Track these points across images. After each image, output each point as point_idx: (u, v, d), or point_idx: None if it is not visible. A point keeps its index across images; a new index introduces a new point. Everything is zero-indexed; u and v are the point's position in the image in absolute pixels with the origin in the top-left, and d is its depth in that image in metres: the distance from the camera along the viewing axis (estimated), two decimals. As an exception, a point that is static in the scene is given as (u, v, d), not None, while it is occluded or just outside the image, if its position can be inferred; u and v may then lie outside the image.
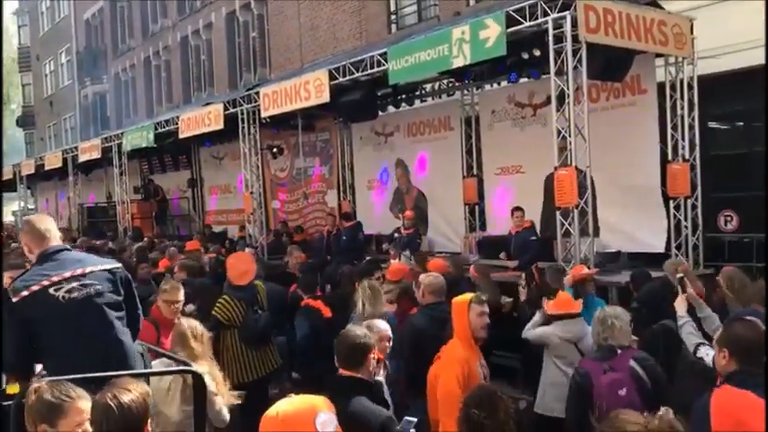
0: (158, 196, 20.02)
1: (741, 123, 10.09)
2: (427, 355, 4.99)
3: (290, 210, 16.14)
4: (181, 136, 14.26)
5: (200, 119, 13.55)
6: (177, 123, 14.29)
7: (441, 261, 7.55)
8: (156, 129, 15.14)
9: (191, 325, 4.57)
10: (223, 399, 4.35)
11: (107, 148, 17.56)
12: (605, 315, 4.32)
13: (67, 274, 3.31)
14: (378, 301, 5.77)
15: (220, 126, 12.97)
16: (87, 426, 2.48)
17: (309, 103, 10.76)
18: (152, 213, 19.57)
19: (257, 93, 12.12)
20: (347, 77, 10.06)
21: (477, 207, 11.48)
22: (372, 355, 3.52)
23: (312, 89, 10.58)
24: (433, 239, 12.14)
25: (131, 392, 2.44)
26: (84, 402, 2.50)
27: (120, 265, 3.40)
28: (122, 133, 17.14)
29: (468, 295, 4.47)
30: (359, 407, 3.27)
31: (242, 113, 12.57)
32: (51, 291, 3.26)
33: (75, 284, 3.29)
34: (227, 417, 4.41)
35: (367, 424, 3.23)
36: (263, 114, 11.98)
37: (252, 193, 12.94)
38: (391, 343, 4.22)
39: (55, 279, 3.27)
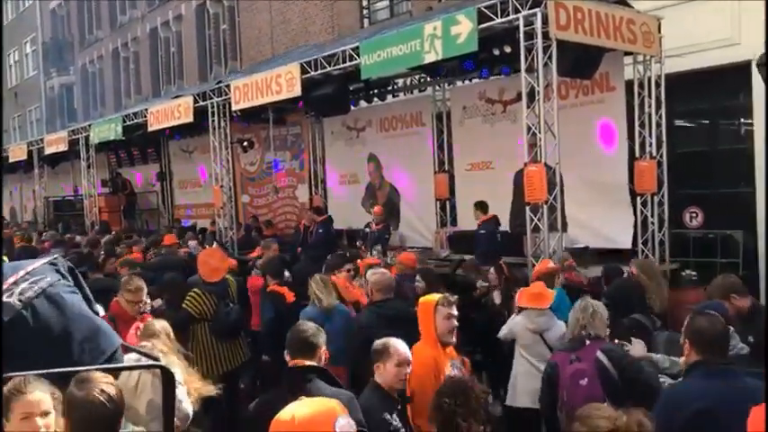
0: (126, 190, 19.74)
1: (706, 122, 10.29)
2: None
3: (260, 204, 16.04)
4: (150, 129, 14.07)
5: (170, 112, 13.38)
6: (146, 116, 14.10)
7: (411, 255, 7.59)
8: (124, 121, 14.93)
9: (163, 325, 4.58)
10: (193, 392, 4.33)
11: (74, 140, 17.27)
12: (587, 303, 4.42)
13: (11, 280, 3.21)
14: (329, 293, 6.01)
15: (190, 119, 12.83)
16: (39, 420, 2.43)
17: (281, 96, 10.70)
18: (120, 207, 19.30)
19: (228, 86, 12.01)
20: (319, 71, 10.02)
21: (448, 202, 11.54)
22: (323, 350, 3.64)
23: (283, 83, 10.52)
24: (405, 234, 12.18)
25: (106, 386, 2.42)
26: (37, 395, 2.45)
27: (57, 257, 3.32)
28: (90, 125, 16.87)
29: (436, 296, 4.29)
30: (317, 392, 3.25)
31: (212, 106, 12.45)
32: (4, 299, 3.17)
33: (24, 285, 3.20)
34: (189, 410, 4.39)
35: None
36: (234, 108, 11.89)
37: (222, 186, 12.84)
38: (410, 367, 3.74)
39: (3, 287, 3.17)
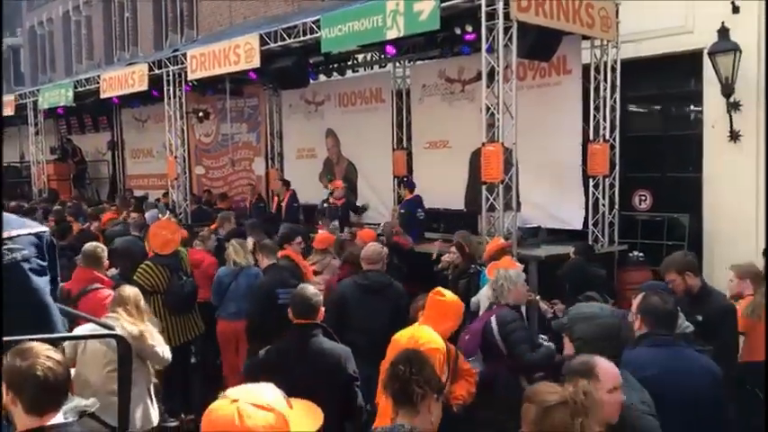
0: (77, 157, 19.23)
1: (658, 107, 10.53)
2: (349, 323, 5.13)
3: (215, 177, 15.84)
4: (102, 96, 13.74)
5: (123, 79, 13.08)
6: (98, 82, 13.75)
7: (371, 231, 7.65)
8: (75, 87, 14.52)
9: (134, 292, 4.54)
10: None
11: (21, 105, 16.73)
12: (498, 276, 4.83)
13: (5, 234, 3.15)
14: (243, 255, 6.77)
15: (144, 87, 12.57)
16: None
17: (239, 67, 10.56)
18: (69, 175, 18.81)
19: (184, 54, 11.78)
20: (278, 43, 9.91)
21: (405, 180, 11.58)
22: (322, 310, 4.09)
23: (242, 53, 10.38)
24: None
25: (49, 358, 2.39)
26: None
27: (46, 229, 3.27)
28: (38, 90, 16.36)
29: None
30: (320, 345, 3.90)
31: (167, 75, 12.20)
32: None
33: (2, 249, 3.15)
34: (168, 355, 4.43)
35: (330, 357, 3.89)
36: (190, 77, 11.69)
37: (176, 157, 12.64)
38: None
39: None
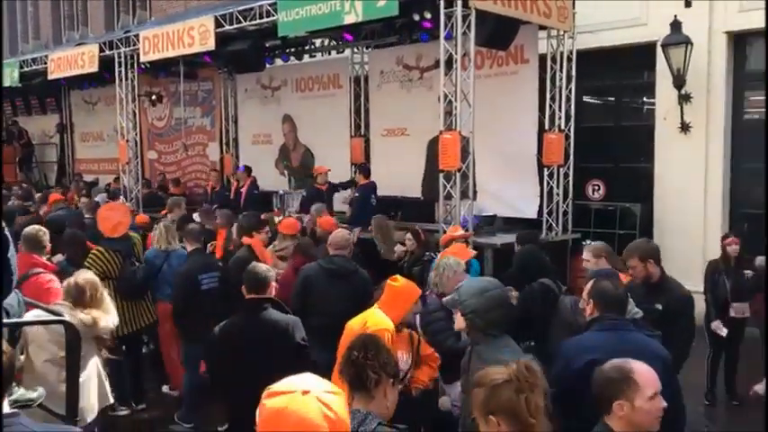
0: (23, 140, 18.62)
1: (612, 98, 10.70)
2: (313, 305, 5.18)
3: (168, 162, 15.53)
4: (50, 77, 13.31)
5: (73, 60, 12.69)
6: (46, 63, 13.32)
7: (331, 219, 7.59)
8: (21, 67, 14.05)
9: (89, 280, 4.38)
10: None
11: (-37, 84, 16.10)
12: (440, 263, 4.88)
13: None
14: (171, 239, 6.75)
15: (95, 69, 12.22)
16: None
17: (193, 49, 10.34)
18: (15, 158, 18.21)
19: (136, 36, 11.49)
20: (234, 26, 9.73)
21: (360, 166, 11.53)
22: (273, 285, 4.24)
23: (196, 35, 10.16)
24: (318, 197, 12.11)
25: None
26: None
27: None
28: (-19, 70, 15.75)
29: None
30: (269, 316, 4.08)
31: (119, 57, 11.88)
32: None
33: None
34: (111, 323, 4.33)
35: (279, 326, 4.06)
36: (143, 59, 11.41)
37: (128, 141, 12.35)
38: None
39: None
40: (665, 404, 2.60)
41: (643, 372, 2.59)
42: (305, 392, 1.71)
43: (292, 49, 11.72)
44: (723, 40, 8.92)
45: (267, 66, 11.89)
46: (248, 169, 12.35)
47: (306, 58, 12.13)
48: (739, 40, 9.07)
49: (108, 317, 4.31)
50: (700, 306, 6.75)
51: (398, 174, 10.78)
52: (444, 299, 3.50)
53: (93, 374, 4.25)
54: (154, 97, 13.59)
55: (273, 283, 4.28)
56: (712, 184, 9.09)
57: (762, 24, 8.61)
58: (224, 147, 14.28)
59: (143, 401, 6.59)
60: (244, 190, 11.87)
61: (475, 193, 8.25)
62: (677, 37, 8.74)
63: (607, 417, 2.59)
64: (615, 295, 3.47)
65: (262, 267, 4.31)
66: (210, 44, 9.97)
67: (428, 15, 8.05)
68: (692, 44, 8.67)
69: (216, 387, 4.42)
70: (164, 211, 9.30)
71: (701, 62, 8.86)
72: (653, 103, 9.68)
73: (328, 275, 5.40)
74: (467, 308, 3.33)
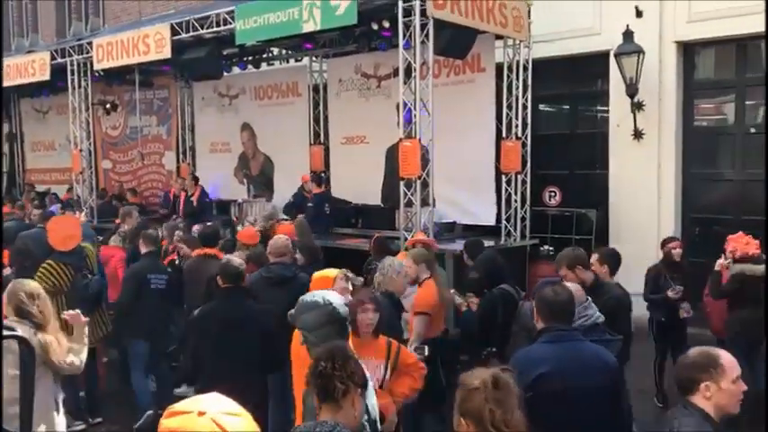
0: (-30, 150, 18.07)
1: (567, 106, 10.89)
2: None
3: (123, 171, 15.25)
4: (-1, 85, 12.96)
5: (23, 68, 12.41)
6: (-5, 70, 12.97)
7: (288, 226, 7.57)
8: (-32, 75, 13.65)
9: (31, 287, 4.21)
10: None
11: None
12: (384, 263, 4.94)
13: None
14: None
15: (46, 77, 11.98)
16: None
17: (148, 57, 10.21)
18: (-38, 169, 17.66)
19: (90, 43, 11.29)
20: (191, 33, 9.63)
21: (323, 175, 11.50)
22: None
23: (152, 43, 10.03)
24: (279, 206, 11.98)
25: None
26: None
27: None
28: (-74, 77, 15.25)
29: (334, 271, 4.29)
30: (243, 302, 4.78)
31: (71, 64, 11.66)
32: None
33: None
34: (78, 362, 4.17)
35: (251, 312, 4.72)
36: (96, 67, 11.22)
37: (81, 151, 12.10)
38: None
39: None
40: (745, 387, 2.79)
41: (728, 357, 2.80)
42: (201, 413, 1.69)
43: (250, 57, 11.65)
44: (673, 49, 9.16)
45: (225, 74, 11.79)
46: (195, 178, 12.22)
47: (264, 66, 12.06)
48: (688, 50, 9.33)
49: (68, 353, 4.13)
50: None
51: (358, 181, 10.79)
52: (288, 314, 3.47)
53: (41, 401, 4.02)
54: (108, 106, 13.37)
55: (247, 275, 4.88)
56: (665, 189, 9.31)
57: (710, 35, 8.93)
58: (181, 155, 14.09)
59: (98, 415, 6.44)
60: (194, 199, 11.72)
61: (434, 200, 8.30)
62: (629, 46, 8.94)
63: (691, 396, 2.77)
64: (556, 302, 3.39)
65: (236, 262, 4.94)
66: (166, 52, 9.85)
67: (386, 24, 8.11)
68: (643, 53, 8.87)
69: (196, 370, 4.76)
70: (117, 221, 9.13)
71: (652, 71, 9.08)
72: (607, 111, 9.87)
73: (267, 284, 5.53)
74: (300, 323, 3.33)
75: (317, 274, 4.31)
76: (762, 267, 5.98)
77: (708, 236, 8.82)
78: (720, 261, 6.19)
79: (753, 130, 9.12)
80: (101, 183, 14.34)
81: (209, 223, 8.36)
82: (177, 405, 1.75)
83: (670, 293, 6.54)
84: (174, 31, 9.74)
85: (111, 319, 6.57)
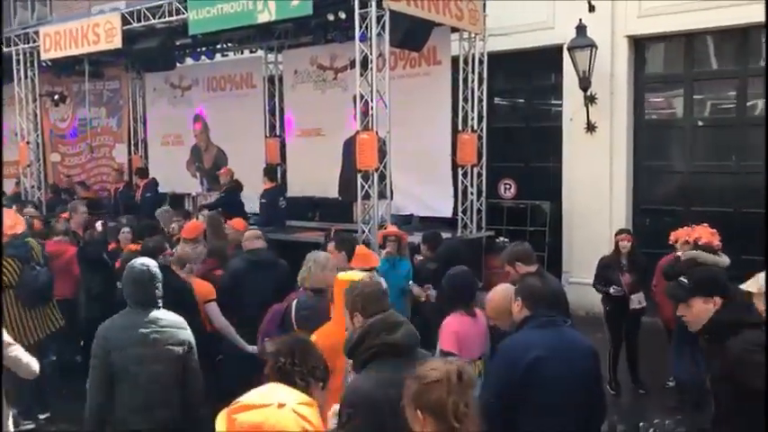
0: None
1: (522, 100, 11.01)
2: (241, 297, 5.21)
3: (73, 164, 14.85)
4: (-61, 74, 12.48)
5: (-35, 57, 11.94)
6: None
7: (241, 221, 7.49)
8: None
9: None
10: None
11: None
12: (308, 258, 4.74)
13: None
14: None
15: (-9, 66, 11.56)
16: None
17: (98, 47, 9.95)
18: None
19: (36, 32, 10.95)
20: (142, 23, 9.42)
21: (279, 168, 11.40)
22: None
23: (102, 33, 9.78)
24: (237, 200, 11.86)
25: None
26: None
27: None
28: None
29: (357, 275, 3.87)
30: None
31: (17, 54, 11.29)
32: None
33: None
34: (35, 367, 4.07)
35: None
36: (44, 57, 10.91)
37: (29, 143, 11.75)
38: None
39: None
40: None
41: None
42: (281, 405, 1.66)
43: (204, 48, 11.45)
44: (624, 43, 9.35)
45: (177, 64, 11.56)
46: (141, 171, 11.97)
47: (218, 57, 11.88)
48: (639, 44, 9.53)
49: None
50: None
51: (315, 174, 10.72)
52: None
53: None
54: (56, 97, 12.98)
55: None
56: (616, 181, 9.51)
57: (660, 30, 9.14)
58: (132, 148, 13.79)
59: (47, 412, 6.27)
60: (137, 193, 11.53)
61: (392, 192, 8.30)
62: (582, 40, 9.08)
63: None
64: (542, 291, 3.49)
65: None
66: (117, 42, 9.62)
67: (342, 16, 8.05)
68: (596, 47, 9.03)
69: None
70: (64, 215, 8.88)
71: (604, 65, 9.25)
72: (560, 105, 10.03)
73: (255, 267, 5.55)
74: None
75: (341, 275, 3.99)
76: (714, 257, 6.12)
77: (658, 227, 9.05)
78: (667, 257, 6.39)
79: (701, 123, 9.38)
80: (49, 176, 13.94)
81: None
82: (246, 398, 1.69)
83: (612, 291, 6.70)
84: (124, 21, 9.51)
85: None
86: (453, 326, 4.14)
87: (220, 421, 1.66)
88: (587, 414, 3.30)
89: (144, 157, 13.51)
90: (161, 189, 12.22)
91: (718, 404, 2.98)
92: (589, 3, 9.26)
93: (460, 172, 9.27)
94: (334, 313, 3.77)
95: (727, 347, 2.88)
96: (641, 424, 2.62)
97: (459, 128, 9.24)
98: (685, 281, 3.15)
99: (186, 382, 3.85)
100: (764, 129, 7.81)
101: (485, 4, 9.10)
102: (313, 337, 3.48)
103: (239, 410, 1.66)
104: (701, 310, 3.02)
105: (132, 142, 13.79)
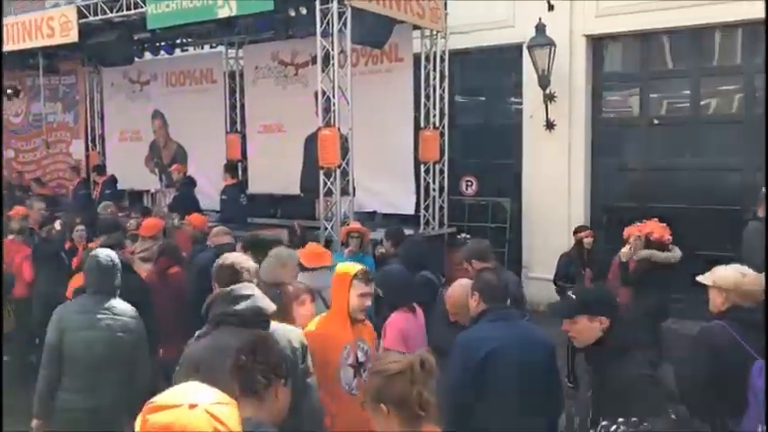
0: None
1: (483, 98, 11.10)
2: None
3: (27, 160, 14.50)
4: None
5: None
6: None
7: (201, 216, 7.42)
8: None
9: None
10: None
11: None
12: (270, 253, 4.79)
13: None
14: None
15: (-60, 59, 11.18)
16: None
17: (53, 41, 9.72)
18: None
19: (-12, 24, 10.63)
20: (99, 17, 9.22)
21: (240, 164, 11.30)
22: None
23: (57, 26, 9.55)
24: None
25: None
26: None
27: None
28: None
29: (353, 267, 3.89)
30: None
31: (-32, 47, 10.93)
32: None
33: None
34: None
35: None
36: (-5, 49, 10.58)
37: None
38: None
39: None
40: None
41: None
42: (192, 406, 1.62)
43: (163, 43, 11.28)
44: (583, 42, 9.49)
45: (136, 59, 11.37)
46: (98, 168, 11.77)
47: (177, 52, 11.71)
48: (597, 43, 9.69)
49: None
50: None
51: (276, 170, 10.66)
52: None
53: None
54: (10, 91, 12.66)
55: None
56: (575, 178, 9.66)
57: (617, 29, 9.31)
58: (89, 144, 13.52)
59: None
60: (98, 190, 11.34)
61: (354, 189, 8.30)
62: (541, 39, 9.19)
63: None
64: (498, 286, 3.59)
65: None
66: (73, 36, 9.40)
67: (304, 11, 8.01)
68: (555, 46, 9.15)
69: None
70: (18, 210, 8.66)
71: (563, 63, 9.38)
72: (520, 102, 10.13)
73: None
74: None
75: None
76: (666, 255, 6.33)
77: (615, 223, 9.21)
78: (624, 251, 6.52)
79: (656, 122, 9.58)
80: (2, 172, 13.58)
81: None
82: (159, 398, 1.65)
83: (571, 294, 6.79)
84: (81, 14, 9.30)
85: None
86: (399, 323, 4.17)
87: (138, 421, 1.65)
88: (544, 405, 3.39)
89: (102, 154, 13.27)
90: (120, 186, 12.03)
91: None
92: (548, 2, 9.38)
93: (423, 169, 9.32)
94: (332, 307, 3.85)
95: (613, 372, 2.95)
96: (603, 423, 2.66)
97: (422, 125, 9.28)
98: (573, 297, 3.23)
99: (134, 371, 4.05)
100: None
101: (446, 3, 9.16)
102: (311, 326, 3.67)
103: (152, 411, 1.64)
104: (585, 328, 3.07)
105: (89, 138, 13.52)
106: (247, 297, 3.10)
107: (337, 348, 3.60)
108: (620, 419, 2.72)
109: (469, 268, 4.75)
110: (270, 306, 3.15)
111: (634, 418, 2.71)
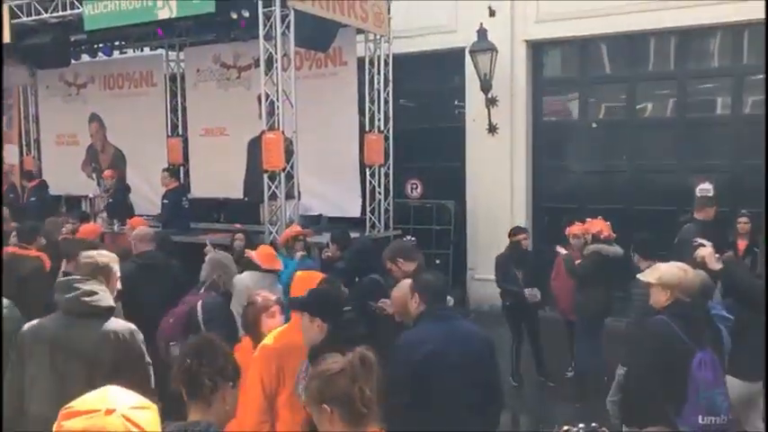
0: None
1: (427, 101, 11.20)
2: (134, 303, 4.94)
3: (-44, 165, 13.92)
4: None
5: None
6: None
7: (141, 219, 7.27)
8: None
9: None
10: None
11: None
12: (220, 262, 4.83)
13: None
14: None
15: None
16: None
17: (-15, 42, 9.36)
18: None
19: None
20: (33, 17, 8.94)
21: (182, 168, 11.10)
22: None
23: (-12, 26, 9.21)
24: (135, 202, 11.42)
25: None
26: None
27: None
28: None
29: (318, 275, 3.96)
30: None
31: None
32: None
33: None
34: None
35: None
36: None
37: None
38: None
39: None
40: None
41: None
42: (109, 411, 1.59)
43: (101, 45, 11.00)
44: (523, 47, 9.69)
45: (72, 61, 11.06)
46: (28, 174, 11.42)
47: (116, 54, 11.43)
48: (537, 48, 9.90)
49: None
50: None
51: (219, 174, 10.52)
52: None
53: None
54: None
55: None
56: (517, 180, 9.84)
57: (556, 35, 9.53)
58: (24, 149, 13.07)
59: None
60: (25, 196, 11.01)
61: (299, 192, 8.26)
62: (483, 44, 9.34)
63: None
64: (437, 285, 3.63)
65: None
66: (6, 37, 9.08)
67: (246, 14, 7.93)
68: (496, 51, 9.30)
69: None
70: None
71: (505, 68, 9.55)
72: (463, 106, 10.27)
73: (147, 271, 5.36)
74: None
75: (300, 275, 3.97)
76: (615, 249, 6.56)
77: (556, 224, 9.43)
78: (559, 248, 6.85)
79: (594, 125, 9.84)
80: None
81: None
82: (76, 403, 1.61)
83: (527, 293, 6.93)
84: (13, 15, 8.99)
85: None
86: None
87: (55, 426, 1.62)
88: (484, 404, 3.43)
89: (37, 158, 12.84)
90: (56, 191, 11.67)
91: None
92: (489, 8, 9.54)
93: (368, 172, 9.34)
94: (292, 315, 3.72)
95: None
96: (565, 428, 2.69)
97: (367, 128, 9.30)
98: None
99: None
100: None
101: (389, 7, 9.21)
102: (268, 339, 3.53)
103: (67, 417, 1.61)
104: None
105: (24, 142, 13.07)
106: (77, 289, 3.29)
107: (295, 360, 3.45)
108: (581, 425, 2.78)
109: (394, 267, 4.73)
110: (104, 300, 3.33)
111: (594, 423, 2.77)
